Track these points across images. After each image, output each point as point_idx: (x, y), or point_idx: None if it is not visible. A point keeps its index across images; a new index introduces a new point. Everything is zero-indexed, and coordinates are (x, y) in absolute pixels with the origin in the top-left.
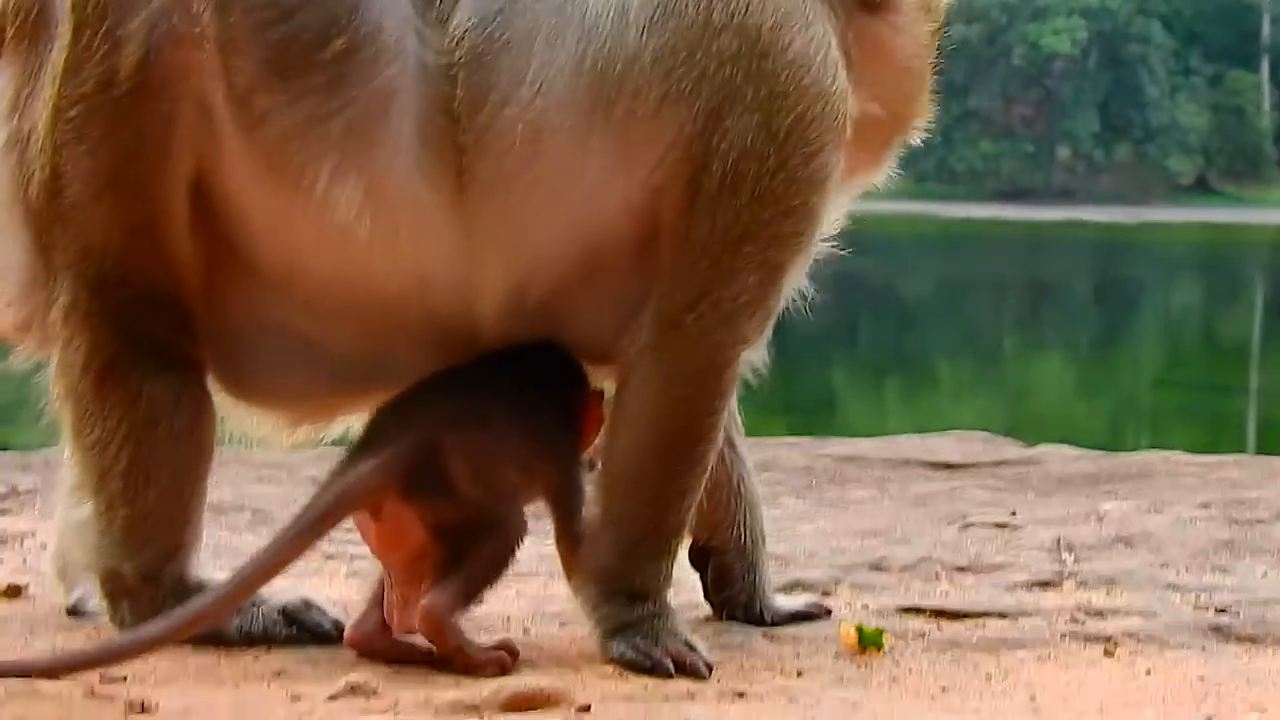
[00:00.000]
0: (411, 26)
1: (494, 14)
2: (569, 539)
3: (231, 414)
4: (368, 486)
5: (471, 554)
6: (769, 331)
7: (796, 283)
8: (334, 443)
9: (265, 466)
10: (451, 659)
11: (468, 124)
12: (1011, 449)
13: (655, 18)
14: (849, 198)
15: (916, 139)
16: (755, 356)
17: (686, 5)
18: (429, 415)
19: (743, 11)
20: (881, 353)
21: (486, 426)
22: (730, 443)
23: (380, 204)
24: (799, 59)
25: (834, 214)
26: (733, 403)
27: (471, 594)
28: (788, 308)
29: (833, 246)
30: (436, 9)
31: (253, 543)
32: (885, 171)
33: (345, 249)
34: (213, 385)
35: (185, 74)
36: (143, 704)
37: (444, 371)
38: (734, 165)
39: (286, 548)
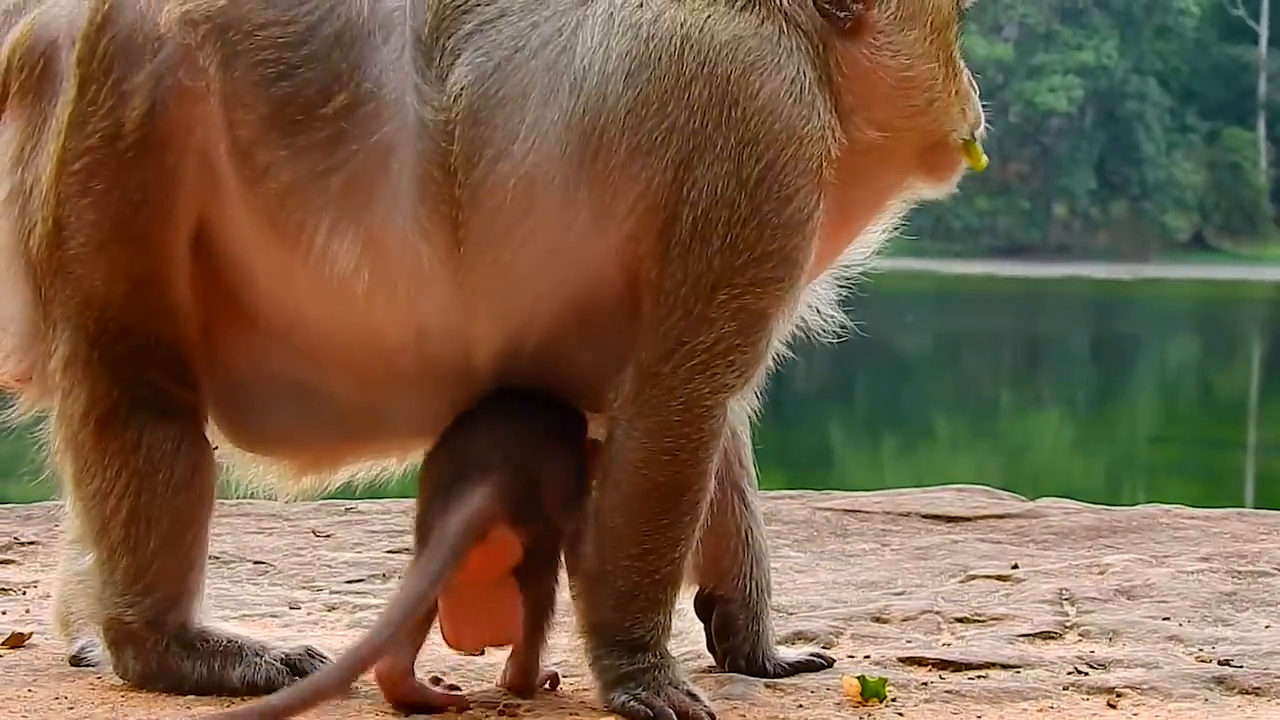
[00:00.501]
0: (411, 83)
1: (490, 71)
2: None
3: (233, 464)
4: (487, 514)
5: (535, 589)
6: (756, 379)
7: (785, 330)
8: (333, 496)
9: (266, 517)
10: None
11: (464, 179)
12: (1013, 502)
13: (631, 70)
14: (890, 219)
15: (974, 142)
16: (744, 405)
17: (660, 56)
18: (515, 443)
19: (712, 60)
20: (879, 408)
21: (557, 454)
22: (741, 494)
23: (378, 257)
24: (769, 104)
25: (874, 238)
26: (747, 456)
27: (545, 635)
28: (786, 362)
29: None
30: (435, 67)
31: (255, 593)
32: (946, 186)
33: (344, 301)
34: (214, 435)
35: (189, 128)
36: None
37: (494, 402)
38: (704, 214)
39: (432, 582)
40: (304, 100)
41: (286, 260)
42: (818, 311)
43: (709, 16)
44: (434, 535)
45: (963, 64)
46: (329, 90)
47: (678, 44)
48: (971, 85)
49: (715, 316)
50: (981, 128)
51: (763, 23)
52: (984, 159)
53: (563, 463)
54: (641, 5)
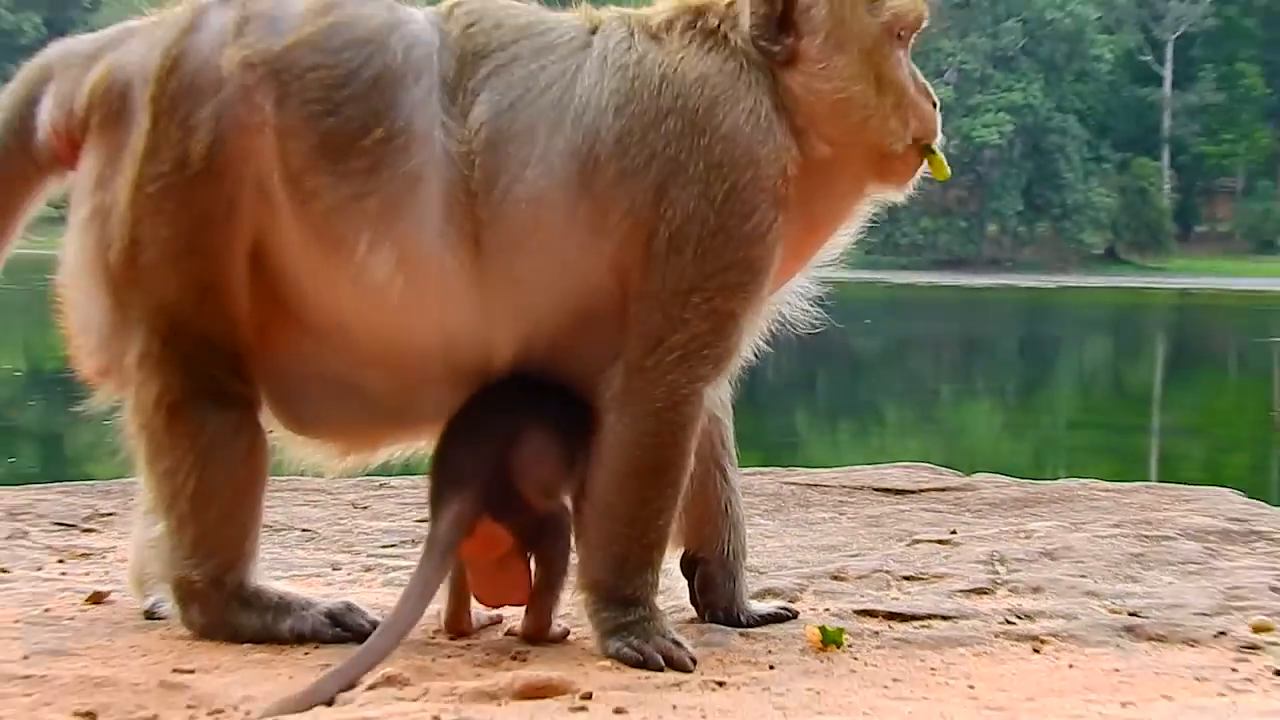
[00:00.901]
0: (438, 120)
1: (505, 109)
2: None
3: (284, 446)
4: (468, 519)
5: (543, 554)
6: (730, 371)
7: (760, 327)
8: (370, 473)
9: (312, 491)
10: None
11: (483, 201)
12: (951, 477)
13: (619, 104)
14: (858, 222)
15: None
16: (724, 393)
17: (642, 93)
18: (493, 444)
19: (685, 97)
20: (838, 397)
21: (536, 444)
22: (722, 471)
23: (410, 269)
24: (731, 133)
25: (845, 239)
26: (728, 438)
27: (555, 592)
28: (761, 357)
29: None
30: (459, 105)
31: (302, 556)
32: (904, 189)
33: (380, 306)
34: (268, 420)
35: (247, 157)
36: (209, 691)
37: (484, 396)
38: (679, 228)
39: (430, 578)
40: (347, 134)
41: (331, 271)
42: (799, 308)
43: (682, 58)
44: (429, 537)
45: (911, 82)
46: (368, 125)
47: (656, 81)
48: (931, 100)
49: (690, 316)
50: (938, 139)
51: (725, 61)
52: (947, 169)
53: (538, 459)
54: (629, 49)
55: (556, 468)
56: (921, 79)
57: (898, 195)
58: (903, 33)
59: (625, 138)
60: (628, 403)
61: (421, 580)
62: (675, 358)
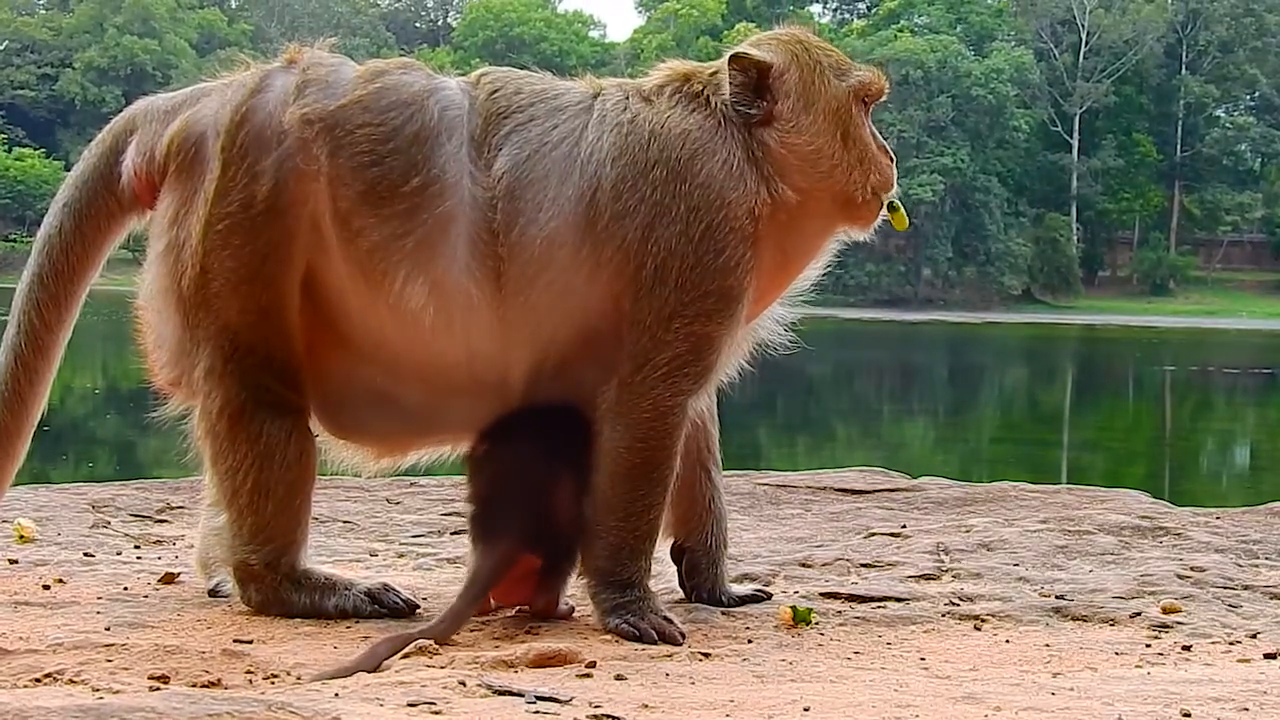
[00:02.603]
0: (466, 170)
1: (524, 160)
2: None
3: (329, 448)
4: (511, 560)
5: (558, 553)
6: (709, 386)
7: (735, 348)
8: (402, 473)
9: (352, 488)
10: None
11: (504, 240)
12: (901, 480)
13: (615, 156)
14: (826, 259)
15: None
16: (706, 404)
17: (634, 146)
18: (534, 491)
19: (669, 148)
20: (793, 415)
21: (569, 486)
22: (707, 472)
23: (440, 298)
24: (707, 181)
25: (815, 274)
26: (714, 444)
27: (563, 576)
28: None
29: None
30: (484, 158)
31: (343, 544)
32: (866, 230)
33: (415, 329)
34: (315, 426)
35: (304, 200)
36: (265, 659)
37: (516, 435)
38: (663, 262)
39: (464, 610)
40: (389, 182)
41: (373, 298)
42: (775, 332)
43: (668, 117)
44: (474, 571)
45: (872, 140)
46: (407, 175)
47: (646, 136)
48: (889, 156)
49: (672, 339)
50: (894, 191)
51: (706, 119)
52: (907, 221)
53: (571, 489)
54: (624, 109)
55: (581, 496)
56: (881, 139)
57: (861, 236)
58: (866, 99)
59: (620, 184)
60: (620, 414)
61: (458, 610)
62: (660, 375)
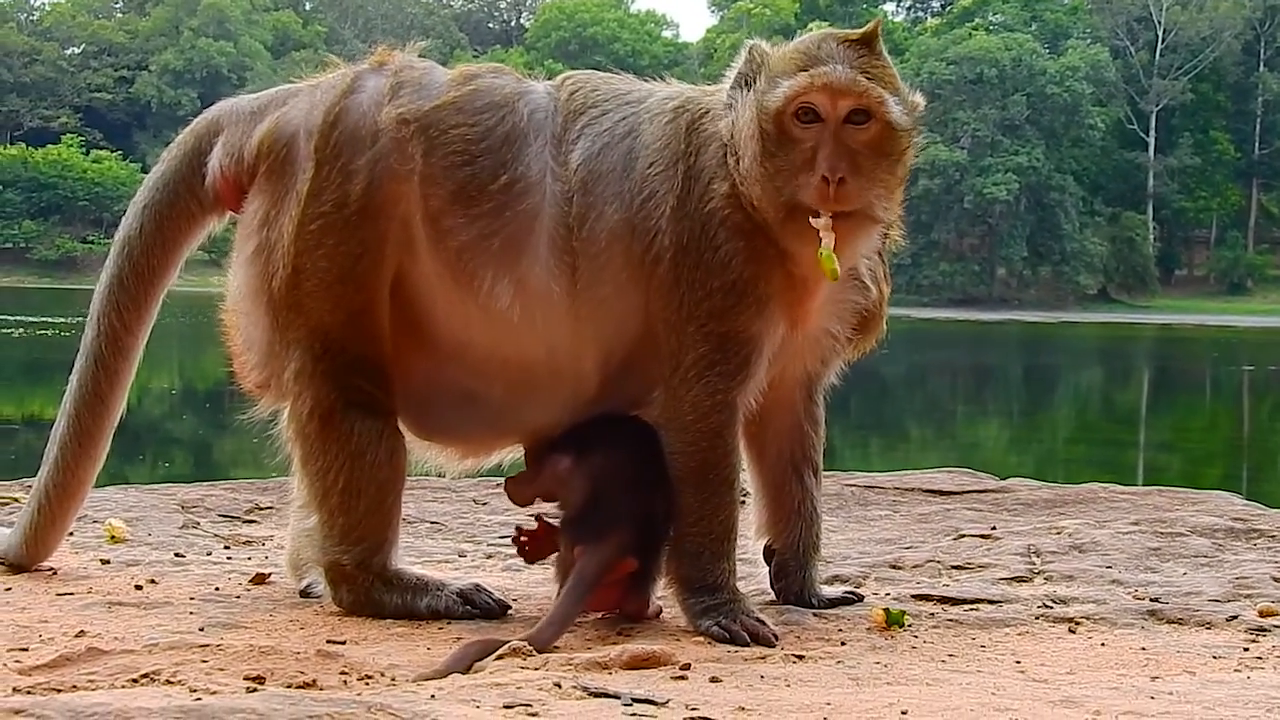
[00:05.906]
0: (549, 167)
1: (596, 153)
2: None
3: (416, 450)
4: (617, 559)
5: (646, 558)
6: (748, 383)
7: (790, 347)
8: (487, 473)
9: (440, 489)
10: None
11: (578, 234)
12: (989, 481)
13: (653, 155)
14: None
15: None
16: (748, 399)
17: (666, 144)
18: (642, 493)
19: (683, 147)
20: (869, 416)
21: (662, 488)
22: (800, 476)
23: (525, 296)
24: (700, 173)
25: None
26: (813, 449)
27: (654, 576)
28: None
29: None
30: (563, 153)
31: (432, 545)
32: (799, 244)
33: (500, 328)
34: (403, 427)
35: (396, 200)
36: (359, 660)
37: (619, 447)
38: (672, 260)
39: (571, 611)
40: (479, 182)
41: (460, 298)
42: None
43: (691, 110)
44: (579, 572)
45: (804, 155)
46: (496, 174)
47: (669, 131)
48: (822, 175)
49: (696, 338)
50: (827, 241)
51: (717, 123)
52: (835, 274)
53: (665, 494)
54: (669, 103)
55: (671, 500)
56: (828, 155)
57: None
58: (799, 112)
59: (651, 181)
60: (669, 419)
61: (563, 614)
62: (693, 375)
